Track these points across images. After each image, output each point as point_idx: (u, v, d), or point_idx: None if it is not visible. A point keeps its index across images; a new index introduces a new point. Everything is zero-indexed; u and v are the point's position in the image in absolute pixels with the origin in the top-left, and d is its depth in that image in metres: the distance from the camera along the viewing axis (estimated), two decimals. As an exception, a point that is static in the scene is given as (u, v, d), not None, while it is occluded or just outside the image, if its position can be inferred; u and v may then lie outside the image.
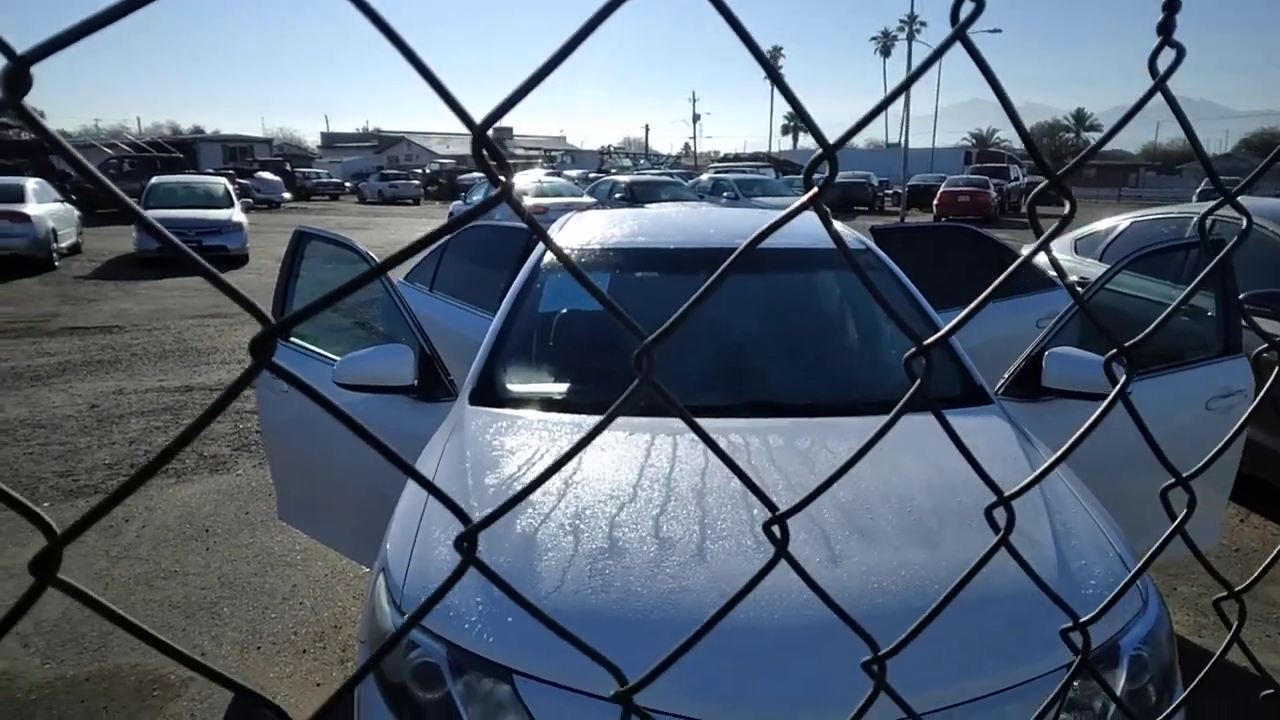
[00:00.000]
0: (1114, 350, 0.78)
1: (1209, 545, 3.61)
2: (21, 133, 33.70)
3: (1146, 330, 0.81)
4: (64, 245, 15.86)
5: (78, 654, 3.46)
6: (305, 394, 0.42)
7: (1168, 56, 0.66)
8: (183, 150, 34.68)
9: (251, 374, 0.39)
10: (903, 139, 39.84)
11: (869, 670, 0.76)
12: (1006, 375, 3.05)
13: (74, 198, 18.18)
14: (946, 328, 0.67)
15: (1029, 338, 3.15)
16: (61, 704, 3.14)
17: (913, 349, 0.67)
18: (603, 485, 2.24)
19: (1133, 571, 0.89)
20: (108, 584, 4.03)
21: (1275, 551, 0.97)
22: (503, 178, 0.42)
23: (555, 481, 2.27)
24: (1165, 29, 0.58)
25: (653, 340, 0.57)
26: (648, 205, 16.27)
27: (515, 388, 2.95)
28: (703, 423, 2.33)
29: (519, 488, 2.08)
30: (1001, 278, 0.70)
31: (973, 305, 0.68)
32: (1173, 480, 0.82)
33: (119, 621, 0.42)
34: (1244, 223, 0.81)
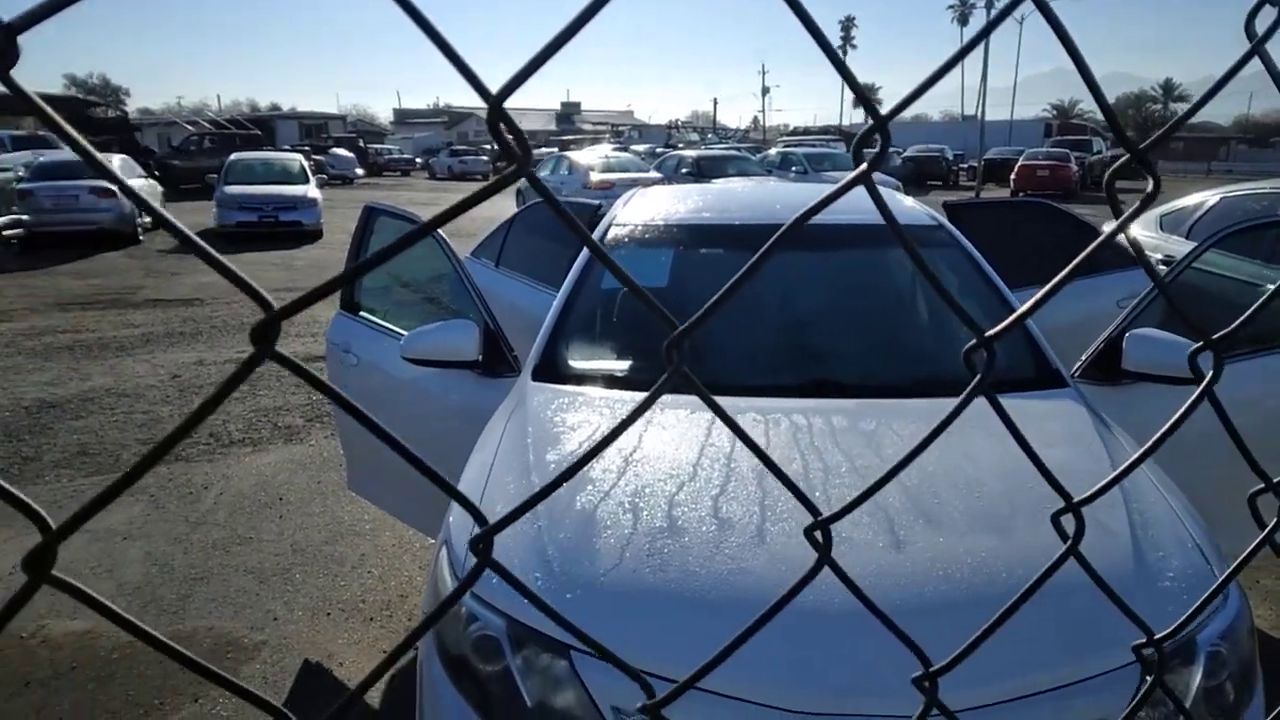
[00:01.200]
0: (1200, 343, 0.73)
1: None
2: (108, 110, 34.94)
3: (1236, 322, 0.75)
4: (148, 220, 16.44)
5: (156, 615, 3.61)
6: (313, 385, 0.41)
7: (1268, 16, 0.60)
8: (260, 127, 35.49)
9: (253, 364, 0.38)
10: (979, 111, 38.68)
11: (920, 686, 0.73)
12: (1084, 357, 2.94)
13: (157, 174, 18.79)
14: (1010, 318, 0.63)
15: (1110, 318, 3.02)
16: (140, 664, 3.28)
17: (973, 340, 0.63)
18: (663, 464, 2.23)
19: (1221, 578, 0.84)
20: (186, 549, 4.19)
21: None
22: (520, 152, 0.40)
23: (616, 459, 2.27)
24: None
25: (684, 330, 0.55)
26: (714, 180, 16.12)
27: (577, 364, 2.95)
28: (766, 402, 2.30)
29: (556, 474, 2.04)
30: (1078, 259, 0.66)
31: (1047, 287, 0.64)
32: (1261, 486, 0.77)
33: (122, 624, 0.42)
34: None
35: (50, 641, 3.43)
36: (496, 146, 0.41)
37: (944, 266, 3.30)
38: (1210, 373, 0.73)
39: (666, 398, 2.67)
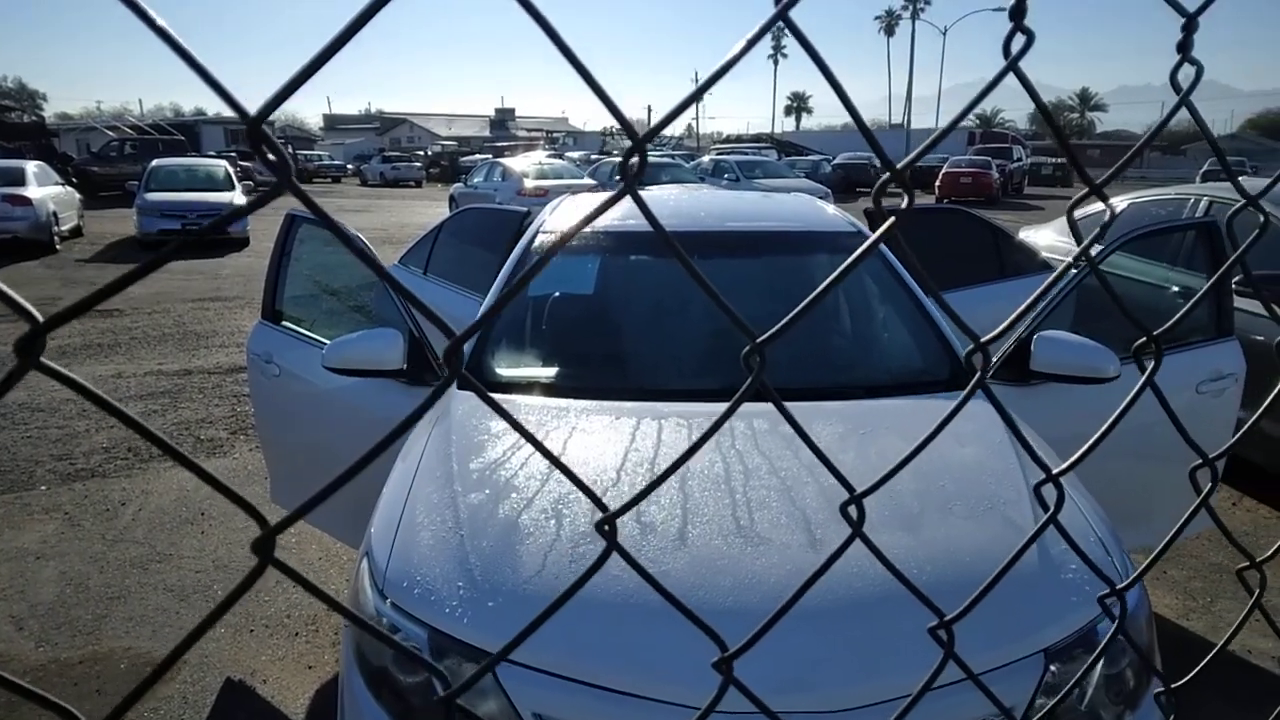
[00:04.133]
0: (1143, 339, 0.82)
1: (1202, 528, 3.61)
2: (24, 115, 33.64)
3: (1175, 317, 0.85)
4: (65, 228, 15.85)
5: (71, 636, 3.48)
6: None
7: (1188, 72, 0.68)
8: (184, 133, 34.54)
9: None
10: (905, 119, 39.58)
11: (935, 636, 0.77)
12: (994, 359, 3.04)
13: (74, 181, 18.15)
14: (1005, 323, 0.71)
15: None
16: (54, 686, 3.16)
17: (971, 345, 0.71)
18: (586, 469, 2.24)
19: (1155, 554, 0.90)
20: (103, 567, 4.06)
21: None
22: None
23: (538, 466, 2.28)
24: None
25: (765, 340, 0.59)
26: (648, 187, 16.18)
27: (504, 371, 2.95)
28: (689, 406, 2.33)
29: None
30: (1051, 280, 0.75)
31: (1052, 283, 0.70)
32: (1200, 461, 0.88)
33: None
34: (1259, 216, 0.85)
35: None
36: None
37: (863, 271, 3.38)
38: (1151, 364, 0.80)
39: (589, 403, 2.69)
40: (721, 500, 2.09)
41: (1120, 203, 6.34)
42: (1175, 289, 4.33)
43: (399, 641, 0.69)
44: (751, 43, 0.47)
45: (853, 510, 0.71)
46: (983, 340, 0.71)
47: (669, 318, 3.22)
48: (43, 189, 15.07)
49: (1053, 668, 1.83)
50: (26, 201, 14.25)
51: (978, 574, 1.90)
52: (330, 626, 3.60)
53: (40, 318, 0.39)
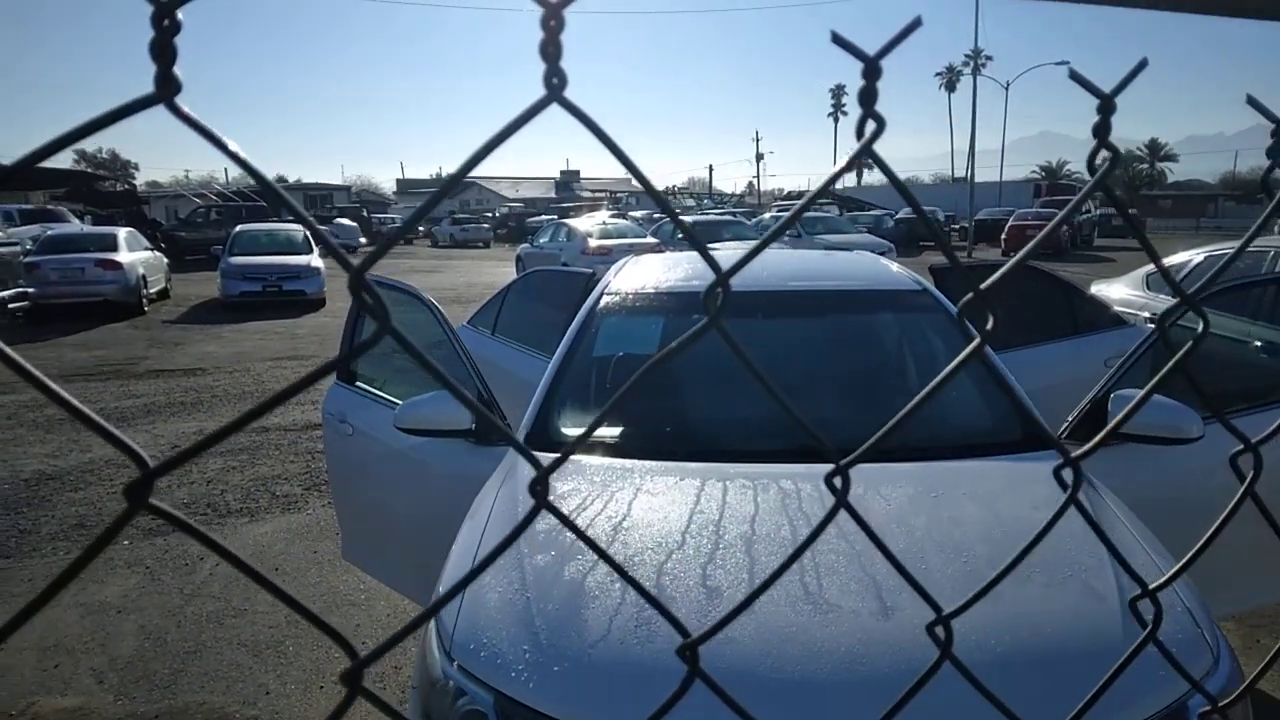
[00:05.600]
0: (1239, 449, 0.77)
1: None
2: (117, 184, 35.54)
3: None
4: (153, 291, 16.62)
5: (148, 690, 3.57)
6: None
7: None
8: (266, 199, 36.08)
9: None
10: (969, 173, 39.28)
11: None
12: (1070, 418, 2.96)
13: (163, 245, 19.06)
14: (1097, 439, 0.69)
15: (1097, 379, 3.06)
16: (133, 739, 3.24)
17: (1060, 460, 0.70)
18: (651, 531, 2.24)
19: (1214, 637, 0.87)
20: (180, 621, 4.16)
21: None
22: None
23: (604, 527, 2.29)
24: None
25: (848, 463, 0.59)
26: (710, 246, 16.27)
27: (570, 431, 2.98)
28: (755, 468, 2.33)
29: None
30: (1149, 339, 0.72)
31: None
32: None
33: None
34: None
35: (40, 719, 3.39)
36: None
37: (928, 330, 3.34)
38: (1251, 474, 0.76)
39: (654, 464, 2.70)
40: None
41: (1198, 255, 6.18)
42: (1258, 343, 4.18)
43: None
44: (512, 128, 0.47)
45: (940, 631, 0.70)
46: (1073, 456, 0.68)
47: (734, 379, 3.22)
48: (132, 254, 15.86)
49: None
50: (118, 266, 15.00)
51: (1058, 642, 1.84)
52: (397, 684, 3.62)
53: (150, 463, 0.41)
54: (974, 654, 1.78)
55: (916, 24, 0.50)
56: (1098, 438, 0.73)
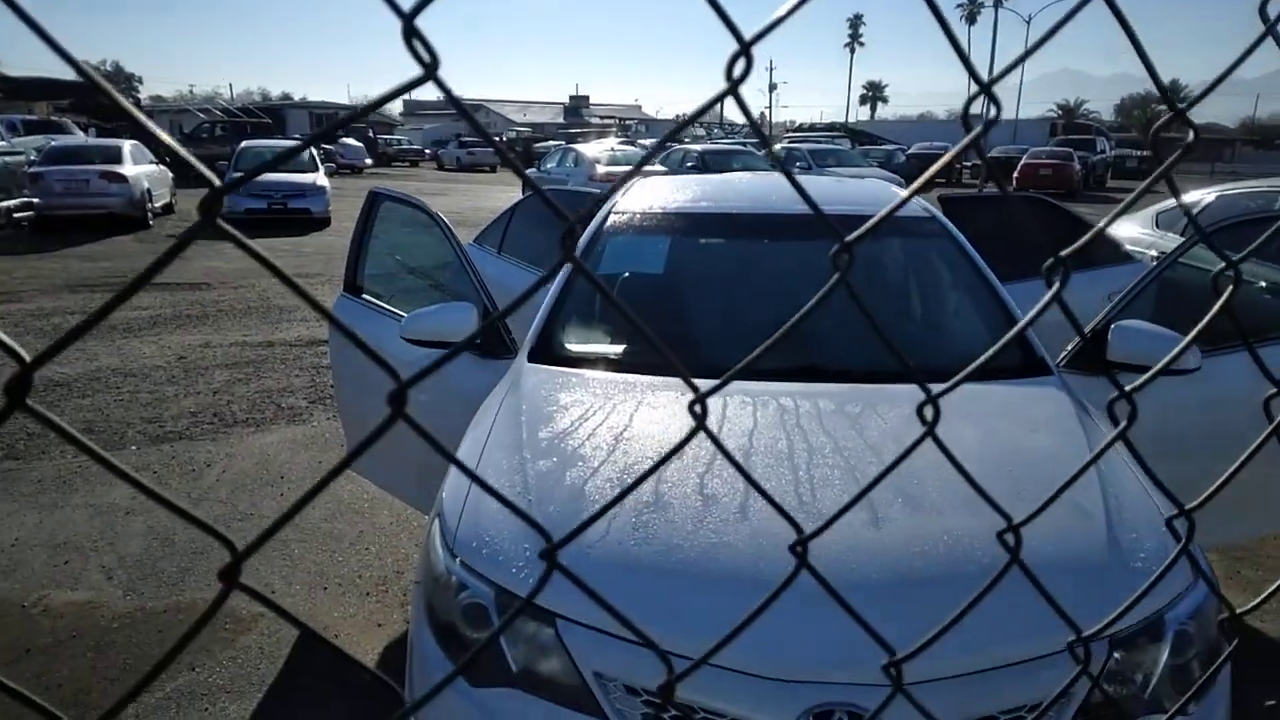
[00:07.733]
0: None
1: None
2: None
3: None
4: (158, 205, 16.53)
5: (156, 587, 3.68)
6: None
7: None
8: (271, 116, 35.55)
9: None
10: (983, 109, 38.51)
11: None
12: (1070, 347, 2.99)
13: (168, 160, 18.86)
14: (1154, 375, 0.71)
15: (1099, 312, 3.07)
16: (140, 633, 3.35)
17: (1114, 394, 0.71)
18: (650, 442, 2.29)
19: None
20: (187, 524, 4.25)
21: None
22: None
23: (605, 437, 2.33)
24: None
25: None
26: (721, 173, 16.10)
27: (573, 347, 3.01)
28: (754, 385, 2.36)
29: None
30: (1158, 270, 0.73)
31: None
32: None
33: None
34: None
35: (51, 611, 3.50)
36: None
37: (935, 257, 3.34)
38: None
39: (656, 379, 2.73)
40: (784, 477, 2.11)
41: (1209, 195, 6.13)
42: (1263, 284, 4.17)
43: (649, 640, 0.74)
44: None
45: (1009, 538, 0.76)
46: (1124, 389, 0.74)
47: (737, 298, 3.23)
48: (137, 167, 15.72)
49: (1117, 655, 1.81)
50: (122, 178, 14.89)
51: (1043, 555, 1.89)
52: (399, 588, 3.73)
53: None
54: (964, 564, 1.83)
55: None
56: (1148, 375, 0.76)
